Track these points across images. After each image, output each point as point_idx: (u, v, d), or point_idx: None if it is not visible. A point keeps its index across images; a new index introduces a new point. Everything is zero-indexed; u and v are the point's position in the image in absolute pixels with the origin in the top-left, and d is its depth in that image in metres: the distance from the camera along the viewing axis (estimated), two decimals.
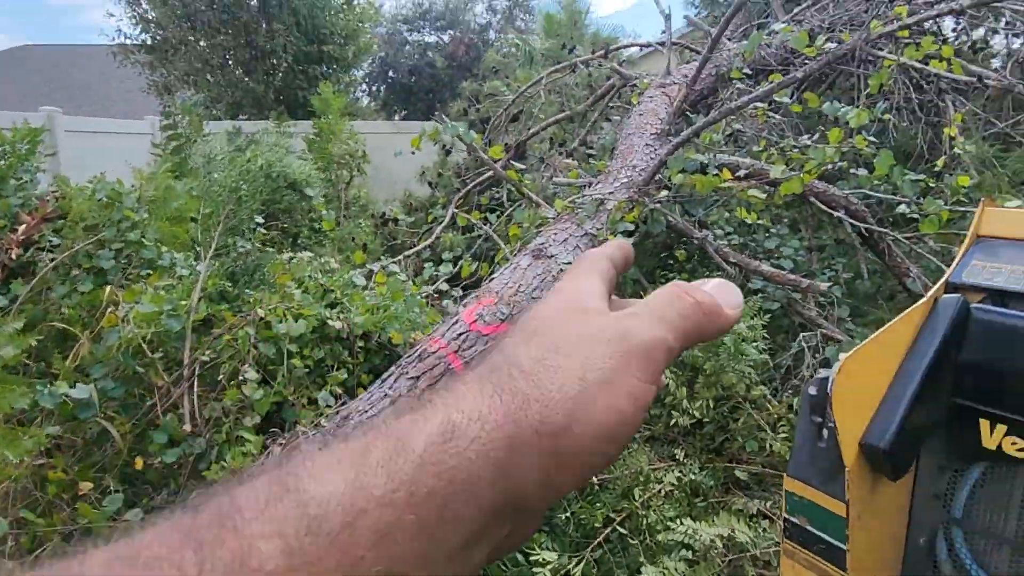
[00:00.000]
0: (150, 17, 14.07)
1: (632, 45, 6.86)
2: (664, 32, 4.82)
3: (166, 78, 14.59)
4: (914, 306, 1.88)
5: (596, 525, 2.72)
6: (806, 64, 3.89)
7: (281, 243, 6.91)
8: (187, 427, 2.78)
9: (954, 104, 5.99)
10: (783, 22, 5.48)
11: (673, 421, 3.40)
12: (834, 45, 3.38)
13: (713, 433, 3.44)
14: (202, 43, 14.29)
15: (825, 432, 1.87)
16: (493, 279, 3.29)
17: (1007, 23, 6.12)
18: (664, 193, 3.72)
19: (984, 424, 1.85)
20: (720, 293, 0.47)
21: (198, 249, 3.86)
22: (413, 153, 3.75)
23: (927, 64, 3.53)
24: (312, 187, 5.71)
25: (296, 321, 3.20)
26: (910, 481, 2.06)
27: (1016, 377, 1.77)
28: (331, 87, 7.93)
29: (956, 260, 1.96)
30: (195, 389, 2.77)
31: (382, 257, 5.77)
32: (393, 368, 2.87)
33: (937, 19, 6.37)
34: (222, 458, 2.67)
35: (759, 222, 3.86)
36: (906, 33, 3.57)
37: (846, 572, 1.87)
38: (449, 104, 8.42)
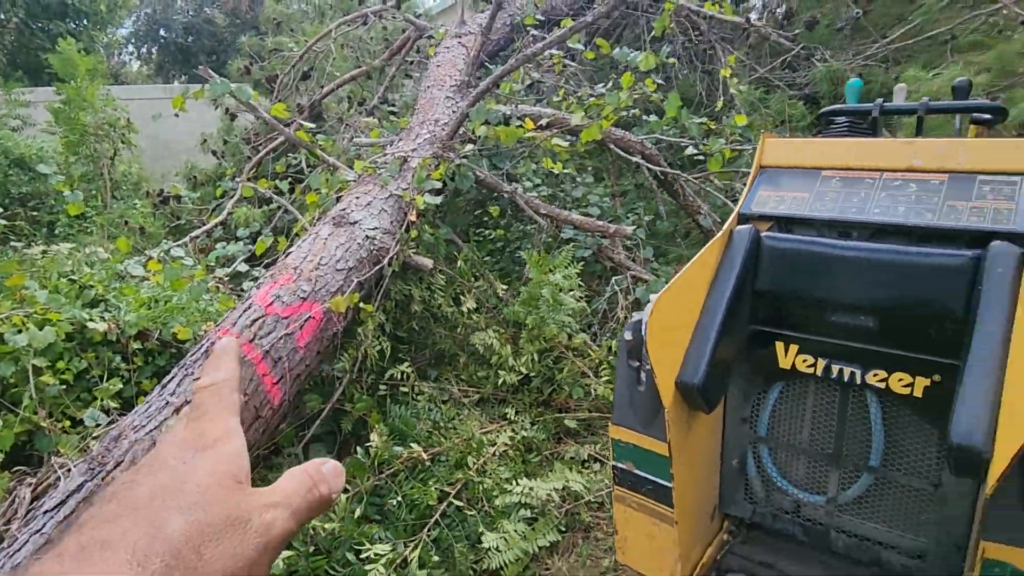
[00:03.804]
0: None
1: None
2: None
3: None
4: (713, 239, 1.90)
5: (431, 503, 2.57)
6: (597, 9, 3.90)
7: (31, 235, 5.75)
8: None
9: (724, 52, 6.53)
10: None
11: (501, 380, 3.34)
12: None
13: (541, 386, 3.44)
14: None
15: (643, 375, 1.86)
16: (290, 253, 2.92)
17: None
18: (469, 147, 3.57)
19: (779, 346, 1.94)
20: (333, 479, 0.48)
21: None
22: (177, 115, 3.19)
23: (702, 6, 3.70)
24: (46, 163, 4.72)
25: (41, 329, 2.59)
26: (721, 410, 2.15)
27: (802, 298, 1.88)
28: (78, 46, 6.64)
29: (745, 191, 2.02)
30: None
31: (164, 241, 5.01)
32: (176, 370, 2.43)
33: None
34: None
35: (565, 171, 3.86)
36: None
37: (672, 508, 1.90)
38: (231, 63, 7.49)
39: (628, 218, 4.61)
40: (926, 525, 1.80)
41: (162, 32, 21.93)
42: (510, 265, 4.34)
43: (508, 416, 3.29)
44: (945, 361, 1.60)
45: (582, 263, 3.64)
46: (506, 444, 3.09)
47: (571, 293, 3.51)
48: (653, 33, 3.20)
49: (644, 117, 4.47)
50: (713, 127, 4.25)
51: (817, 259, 1.74)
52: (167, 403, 2.27)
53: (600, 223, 3.83)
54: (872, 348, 1.72)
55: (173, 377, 2.39)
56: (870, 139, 1.97)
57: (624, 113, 4.44)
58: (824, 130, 2.12)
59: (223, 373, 0.50)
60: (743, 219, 1.92)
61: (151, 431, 2.19)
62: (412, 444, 2.75)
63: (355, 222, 3.03)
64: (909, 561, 1.85)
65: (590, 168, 4.70)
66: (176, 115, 3.16)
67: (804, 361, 1.86)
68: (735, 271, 1.79)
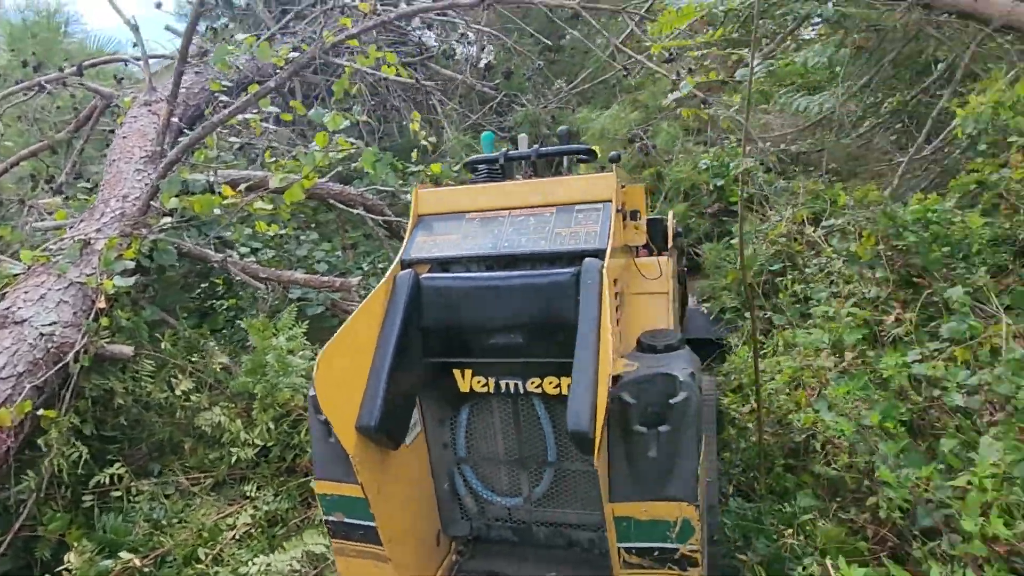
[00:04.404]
0: None
1: (112, 60, 6.05)
2: (136, 45, 4.34)
3: None
4: (377, 287, 2.06)
5: None
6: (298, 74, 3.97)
7: None
8: None
9: (440, 103, 7.05)
10: (272, 33, 5.54)
11: (235, 458, 3.17)
12: (296, 54, 3.53)
13: (282, 453, 3.33)
14: None
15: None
16: None
17: (461, 34, 7.46)
18: (166, 220, 3.38)
19: (457, 373, 2.15)
20: None
21: None
22: None
23: (378, 70, 3.98)
24: None
25: None
26: (424, 440, 2.30)
27: (464, 328, 2.11)
28: None
29: (405, 240, 2.23)
30: None
31: None
32: None
33: (408, 31, 7.35)
34: None
35: (282, 232, 3.83)
36: (356, 43, 3.96)
37: (383, 546, 1.99)
38: None
39: (362, 268, 4.70)
40: (596, 501, 2.11)
41: None
42: (244, 334, 4.15)
43: (248, 493, 3.13)
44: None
45: (307, 322, 3.63)
46: (247, 524, 2.94)
47: (300, 354, 3.47)
48: (334, 96, 3.36)
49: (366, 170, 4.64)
50: (429, 173, 4.56)
51: (466, 292, 1.98)
52: None
53: (325, 278, 3.86)
54: (525, 360, 2.00)
55: None
56: (502, 183, 2.30)
57: (340, 168, 4.57)
58: (472, 177, 2.43)
59: None
60: (405, 265, 2.11)
61: None
62: (125, 553, 2.48)
63: (23, 320, 2.68)
64: (593, 535, 2.15)
65: (313, 225, 4.72)
66: None
67: (479, 382, 2.08)
68: (399, 314, 1.95)
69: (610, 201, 2.00)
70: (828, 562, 1.80)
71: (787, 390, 2.96)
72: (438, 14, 7.38)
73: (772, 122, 6.86)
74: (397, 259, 2.11)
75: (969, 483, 2.30)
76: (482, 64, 7.09)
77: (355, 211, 4.44)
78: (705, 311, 4.37)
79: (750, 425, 2.97)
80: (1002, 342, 2.93)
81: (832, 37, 6.66)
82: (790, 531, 2.29)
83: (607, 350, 1.55)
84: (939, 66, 5.59)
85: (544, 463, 2.14)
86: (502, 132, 6.48)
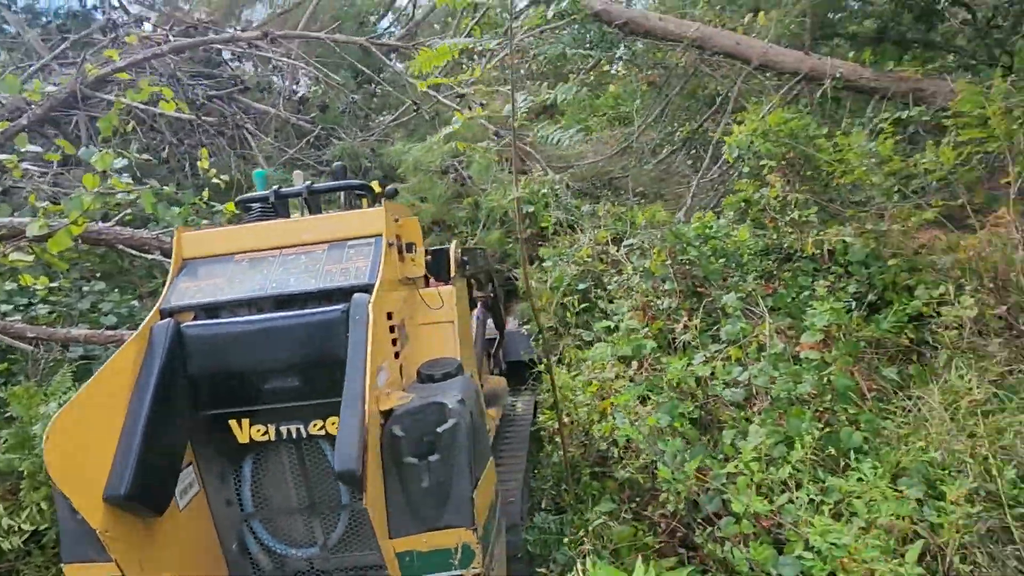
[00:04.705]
0: None
1: None
2: None
3: None
4: (128, 340, 1.89)
5: None
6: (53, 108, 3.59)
7: None
8: None
9: (253, 136, 6.74)
10: (46, 63, 4.99)
11: None
12: (55, 88, 3.20)
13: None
14: None
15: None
16: None
17: (274, 66, 7.22)
18: None
19: (233, 424, 2.02)
20: None
21: None
22: None
23: (155, 105, 3.73)
24: None
25: None
26: (205, 500, 2.14)
27: (235, 375, 1.99)
28: None
29: (166, 287, 2.08)
30: None
31: None
32: None
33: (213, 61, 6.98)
34: None
35: (54, 284, 3.42)
36: (126, 75, 3.68)
37: None
38: None
39: None
40: None
41: None
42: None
43: None
44: None
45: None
46: None
47: None
48: (101, 134, 3.08)
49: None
50: (237, 212, 4.31)
51: (234, 337, 1.87)
52: None
53: (112, 332, 3.50)
54: (304, 403, 1.92)
55: None
56: (274, 221, 2.23)
57: (131, 210, 4.18)
58: (245, 216, 2.33)
59: None
60: (165, 314, 1.95)
61: None
62: None
63: None
64: None
65: (98, 273, 4.27)
66: None
67: (259, 431, 1.97)
68: (157, 367, 1.80)
69: (381, 235, 2.01)
70: (578, 564, 1.91)
71: (590, 402, 3.13)
72: (249, 46, 7.13)
73: (587, 150, 7.40)
74: (155, 308, 1.95)
75: (738, 468, 2.56)
76: (296, 97, 6.90)
77: (150, 256, 4.07)
78: (526, 332, 4.53)
79: (559, 440, 3.11)
80: (766, 339, 3.33)
81: (629, 75, 7.37)
82: (587, 537, 2.40)
83: (374, 386, 1.54)
84: (718, 99, 6.37)
85: (338, 506, 2.07)
86: (320, 166, 6.33)
